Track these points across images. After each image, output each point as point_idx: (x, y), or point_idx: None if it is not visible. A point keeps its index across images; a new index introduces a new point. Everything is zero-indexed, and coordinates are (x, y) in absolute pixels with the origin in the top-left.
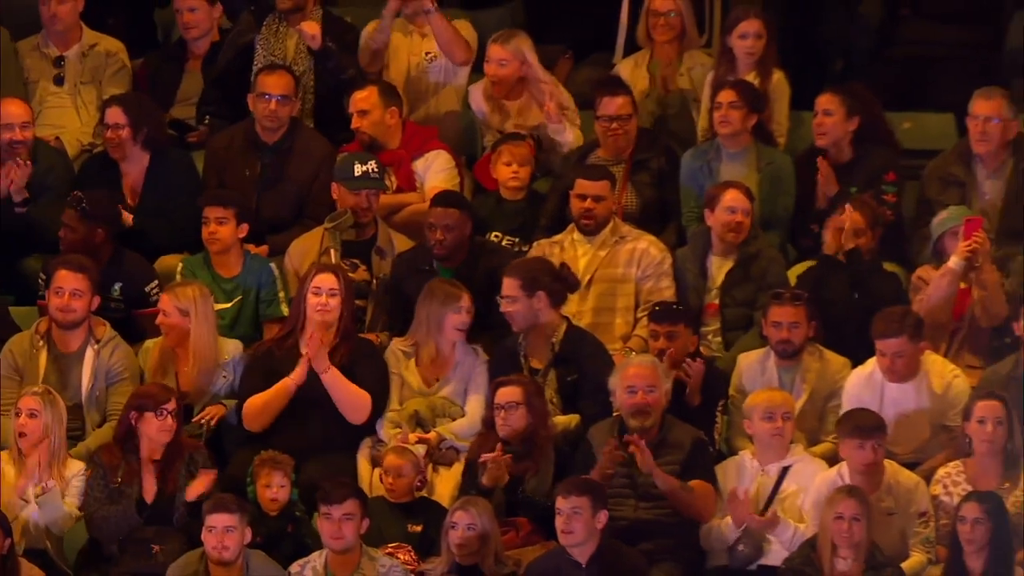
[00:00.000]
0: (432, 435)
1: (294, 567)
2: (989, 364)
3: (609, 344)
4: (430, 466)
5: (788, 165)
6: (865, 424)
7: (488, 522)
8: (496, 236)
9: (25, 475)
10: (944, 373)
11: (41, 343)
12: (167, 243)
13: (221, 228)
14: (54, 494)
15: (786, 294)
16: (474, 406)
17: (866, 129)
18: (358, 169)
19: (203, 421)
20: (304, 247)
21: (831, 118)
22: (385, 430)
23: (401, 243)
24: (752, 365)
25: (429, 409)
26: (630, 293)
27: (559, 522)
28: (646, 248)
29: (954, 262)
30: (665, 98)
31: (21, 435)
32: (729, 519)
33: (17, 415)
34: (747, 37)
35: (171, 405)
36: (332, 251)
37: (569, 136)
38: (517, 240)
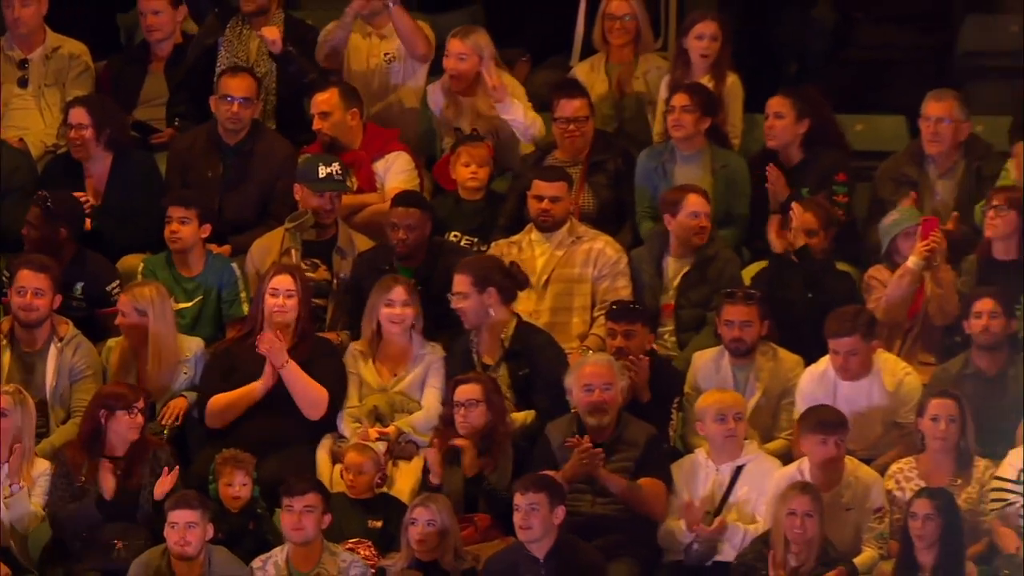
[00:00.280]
0: (391, 429)
1: (256, 562)
2: (942, 362)
3: (566, 343)
4: (390, 461)
5: (742, 167)
6: (828, 420)
7: (447, 518)
8: (455, 236)
9: None
10: (896, 371)
11: (4, 341)
12: (130, 243)
13: (183, 228)
14: (22, 495)
15: (739, 293)
16: (430, 400)
17: (816, 131)
18: (322, 171)
19: (166, 421)
20: (265, 247)
21: (781, 121)
22: (345, 425)
23: (361, 243)
24: (707, 363)
25: (387, 404)
26: (587, 293)
27: (517, 518)
28: (602, 248)
29: (913, 262)
30: (621, 101)
31: None
32: (682, 522)
33: None
34: (703, 39)
35: (141, 403)
36: (293, 251)
37: (518, 113)
38: (476, 240)
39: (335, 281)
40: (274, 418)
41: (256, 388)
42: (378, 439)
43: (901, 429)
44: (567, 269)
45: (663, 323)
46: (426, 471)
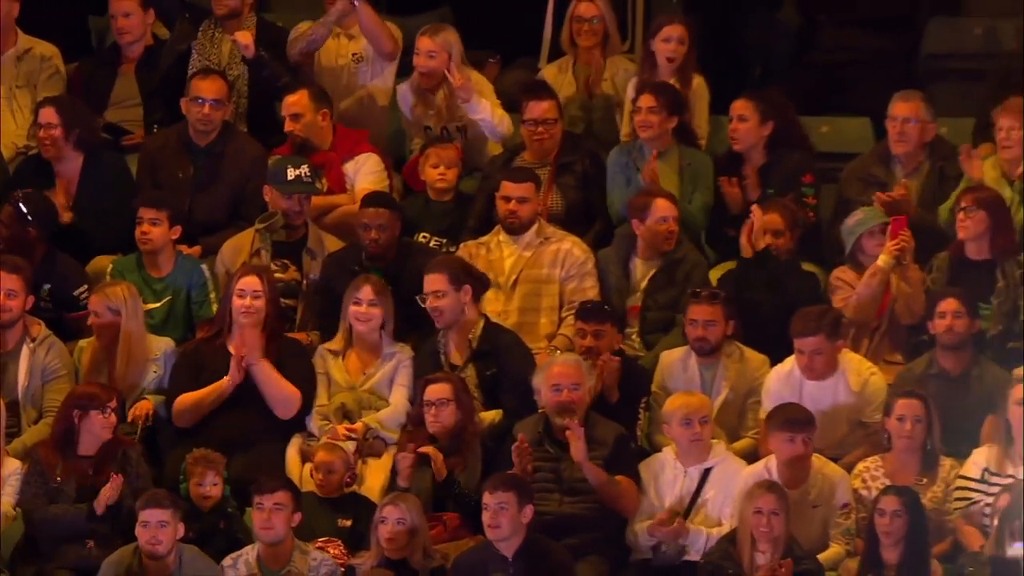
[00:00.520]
0: (359, 426)
1: (227, 561)
2: (909, 360)
3: (534, 343)
4: (359, 459)
5: (708, 163)
6: (796, 418)
7: (417, 517)
8: (424, 237)
9: None
10: (861, 371)
11: None
12: (101, 244)
13: (154, 229)
14: None
15: (703, 293)
16: (398, 398)
17: (780, 134)
18: (291, 173)
19: (136, 420)
20: (235, 248)
21: (745, 124)
22: (314, 422)
23: (331, 244)
24: (674, 363)
25: (355, 402)
26: (555, 293)
27: (486, 517)
28: (570, 249)
29: (883, 260)
30: (589, 102)
31: None
32: (647, 526)
33: None
34: (670, 42)
35: (114, 403)
36: (263, 252)
37: (486, 112)
38: (445, 241)
39: (305, 282)
40: (244, 417)
41: (223, 385)
42: (346, 436)
43: (866, 428)
44: (535, 270)
45: (629, 324)
46: (395, 473)
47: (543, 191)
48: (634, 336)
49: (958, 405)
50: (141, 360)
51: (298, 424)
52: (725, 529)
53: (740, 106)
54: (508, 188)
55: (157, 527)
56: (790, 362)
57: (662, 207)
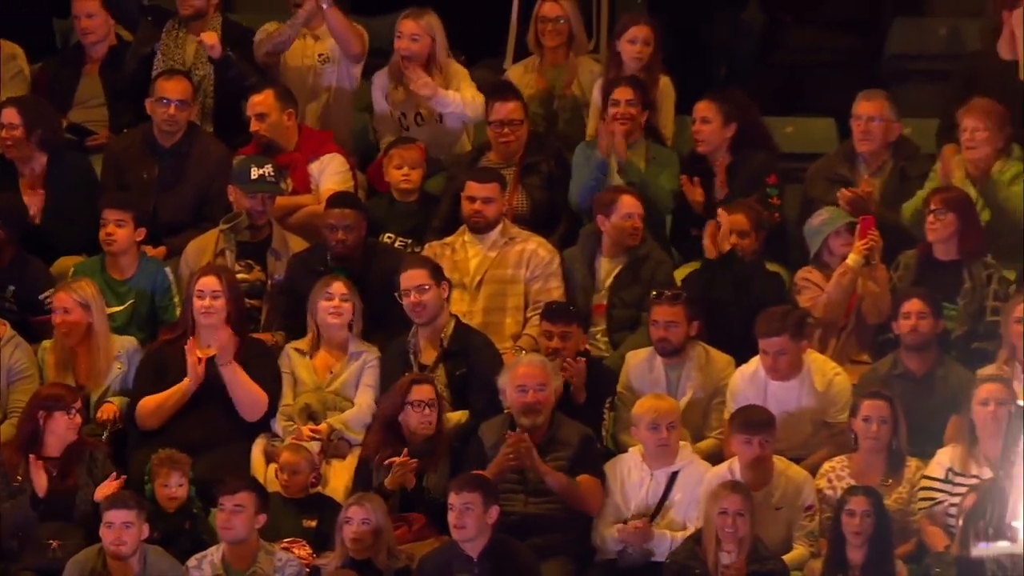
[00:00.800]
0: (323, 426)
1: (191, 561)
2: (876, 359)
3: (499, 343)
4: (323, 460)
5: (674, 157)
6: (753, 420)
7: (382, 517)
8: (389, 237)
9: None
10: (825, 371)
11: None
12: (65, 245)
13: (119, 231)
14: None
15: (665, 294)
16: (364, 399)
17: (744, 134)
18: (254, 172)
19: (105, 421)
20: (200, 248)
21: (709, 125)
22: (279, 423)
23: (296, 244)
24: (640, 363)
25: (320, 403)
26: (519, 293)
27: (451, 517)
28: (535, 249)
29: (853, 260)
30: (556, 102)
31: None
32: (614, 530)
33: None
34: (636, 43)
35: (79, 404)
36: (227, 252)
37: (454, 103)
38: (410, 241)
39: (269, 282)
40: (208, 418)
41: (184, 387)
42: (311, 437)
43: (831, 429)
44: (500, 270)
45: (594, 323)
46: (363, 473)
47: (508, 191)
48: (599, 335)
49: (922, 405)
50: (105, 358)
51: (263, 424)
52: (691, 530)
53: (703, 108)
54: (473, 188)
55: (121, 528)
56: (755, 362)
57: (628, 203)
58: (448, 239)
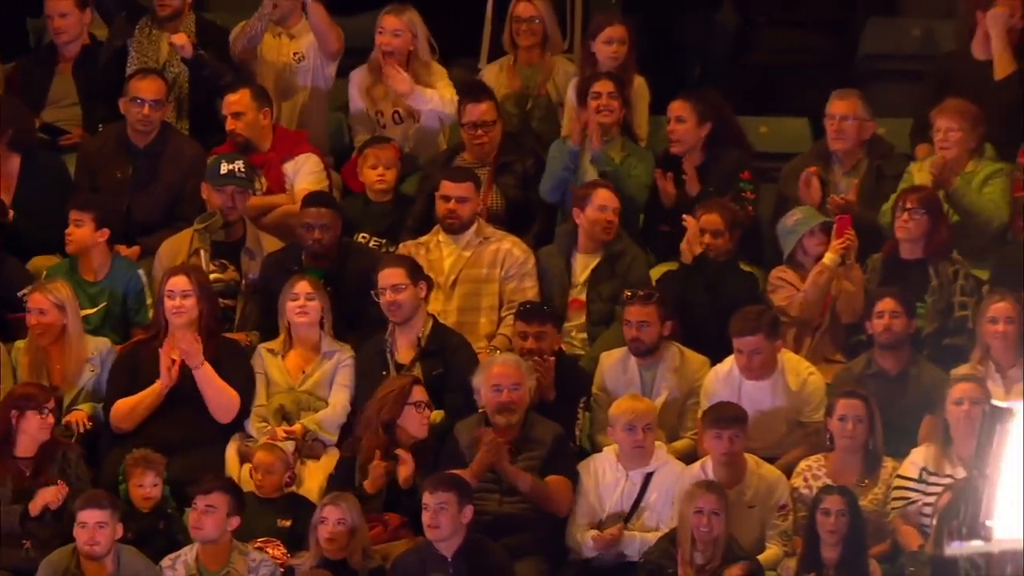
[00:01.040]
0: (297, 427)
1: (165, 561)
2: (849, 359)
3: (474, 343)
4: (298, 460)
5: (649, 155)
6: (723, 415)
7: (357, 517)
8: (364, 237)
9: None
10: (800, 371)
11: None
12: (38, 244)
13: (77, 231)
14: None
15: (639, 294)
16: (338, 398)
17: (718, 133)
18: (224, 168)
19: (73, 424)
20: (173, 248)
21: (683, 125)
22: (252, 424)
23: (270, 244)
24: (614, 364)
25: (294, 403)
26: (494, 293)
27: (426, 517)
28: (509, 249)
29: (829, 259)
30: (530, 102)
31: None
32: (588, 534)
33: None
34: (612, 43)
35: (52, 404)
36: (202, 252)
37: (432, 101)
38: (384, 241)
39: (244, 282)
40: (183, 419)
41: (157, 389)
42: (286, 438)
43: (805, 428)
44: (475, 270)
45: (569, 318)
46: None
47: (483, 191)
48: (574, 332)
49: (896, 405)
50: (79, 360)
51: (237, 425)
52: (665, 532)
53: (678, 107)
54: (448, 187)
55: (95, 528)
56: (729, 362)
57: (602, 196)
58: (422, 239)
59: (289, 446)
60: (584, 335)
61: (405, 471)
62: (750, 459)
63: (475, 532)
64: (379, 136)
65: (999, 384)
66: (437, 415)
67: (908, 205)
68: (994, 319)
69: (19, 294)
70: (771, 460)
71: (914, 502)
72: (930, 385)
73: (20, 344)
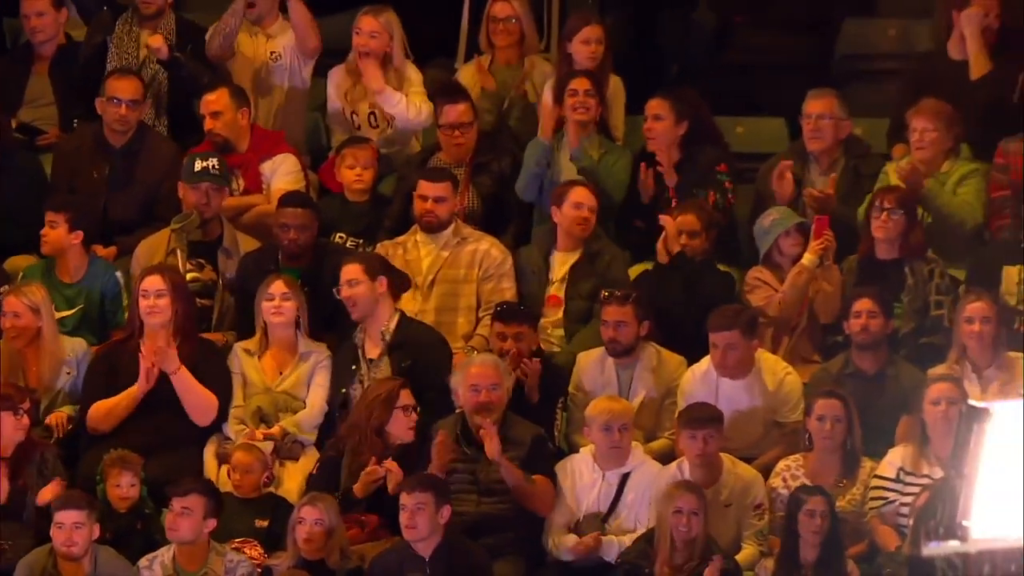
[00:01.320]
0: (276, 429)
1: (143, 561)
2: (827, 360)
3: (452, 343)
4: (276, 461)
5: (627, 153)
6: (697, 416)
7: (335, 517)
8: (341, 237)
9: None
10: (776, 371)
11: None
12: (15, 244)
13: (50, 232)
14: None
15: (616, 294)
16: (315, 399)
17: (695, 132)
18: (198, 165)
19: (53, 425)
20: (150, 248)
21: (660, 123)
22: (230, 426)
23: (247, 244)
24: (591, 364)
25: (272, 404)
26: (472, 293)
27: (403, 517)
28: (487, 249)
29: (808, 260)
30: (507, 102)
31: None
32: (567, 538)
33: None
34: (589, 44)
35: (27, 404)
36: (178, 252)
37: (400, 106)
38: (361, 241)
39: (221, 281)
40: (160, 420)
41: (134, 392)
42: (264, 440)
43: (782, 428)
44: (452, 270)
45: (546, 314)
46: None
47: (460, 191)
48: (550, 328)
49: (874, 405)
50: (55, 362)
51: (216, 426)
52: (642, 532)
53: (655, 105)
54: (425, 187)
55: (72, 528)
56: (706, 362)
57: (577, 193)
58: (400, 239)
59: (268, 446)
60: (561, 331)
61: (394, 480)
62: (726, 458)
63: (453, 532)
64: (357, 136)
65: (975, 384)
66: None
67: (886, 205)
68: (970, 319)
69: None
70: (748, 460)
71: (892, 502)
72: (908, 385)
73: None
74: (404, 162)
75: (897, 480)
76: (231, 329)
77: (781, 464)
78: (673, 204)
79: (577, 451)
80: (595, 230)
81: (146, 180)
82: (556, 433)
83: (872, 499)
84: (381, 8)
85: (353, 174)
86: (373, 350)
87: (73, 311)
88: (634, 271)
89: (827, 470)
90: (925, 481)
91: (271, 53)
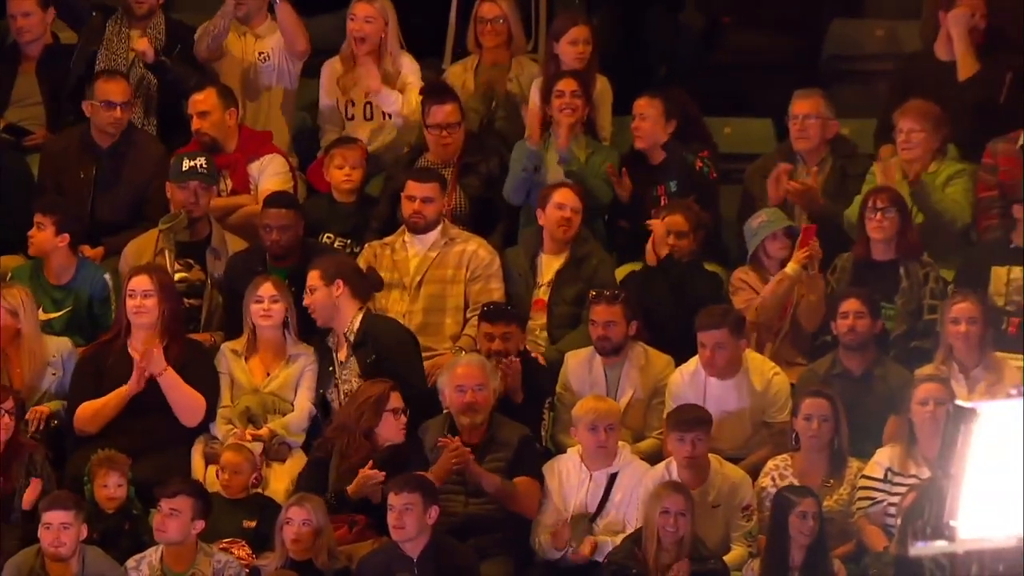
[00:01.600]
0: (264, 431)
1: (130, 562)
2: (811, 361)
3: (440, 344)
4: (264, 463)
5: (614, 152)
6: (686, 418)
7: (322, 518)
8: (329, 238)
9: None
10: (764, 371)
11: None
12: (4, 245)
13: (38, 234)
14: None
15: (605, 293)
16: (303, 401)
17: (684, 132)
18: (186, 164)
19: (33, 420)
20: (139, 248)
21: (647, 122)
22: (218, 426)
23: (235, 244)
24: (579, 364)
25: (260, 405)
26: (460, 294)
27: (391, 518)
28: (475, 250)
29: (791, 269)
30: (494, 102)
31: None
32: (549, 538)
33: None
34: (576, 44)
35: (9, 404)
36: (167, 252)
37: (395, 104)
38: (349, 242)
39: (209, 281)
40: (148, 420)
41: (123, 393)
42: (252, 441)
43: (770, 428)
44: (440, 270)
45: (533, 318)
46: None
47: (447, 192)
48: (537, 331)
49: (861, 405)
50: (38, 363)
51: (203, 427)
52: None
53: (643, 104)
54: (413, 188)
55: (60, 529)
56: (694, 362)
57: (560, 194)
58: (388, 239)
59: (257, 447)
60: (546, 335)
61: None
62: (713, 459)
63: (441, 533)
64: (346, 136)
65: (962, 384)
66: None
67: (879, 205)
68: (956, 320)
69: None
70: (736, 461)
71: (879, 502)
72: (895, 385)
73: None
74: (391, 163)
75: (885, 480)
76: (219, 329)
77: (769, 464)
78: (662, 204)
79: (564, 451)
80: (581, 232)
81: (133, 180)
82: (543, 433)
83: (860, 499)
84: None
85: (342, 174)
86: (342, 352)
87: (61, 313)
88: (622, 271)
89: (814, 470)
90: (912, 481)
91: (259, 54)
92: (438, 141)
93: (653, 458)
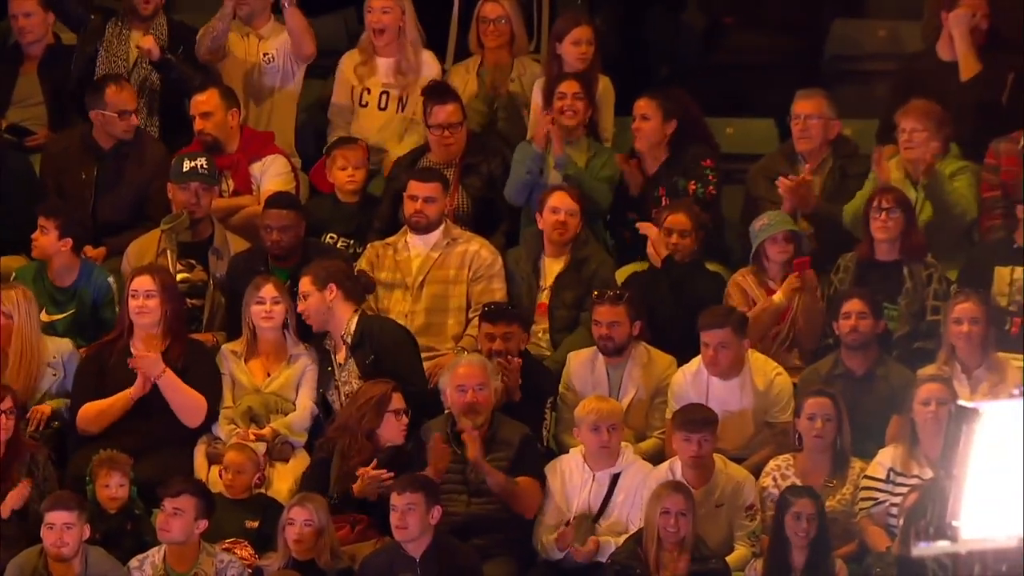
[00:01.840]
0: (267, 431)
1: (133, 562)
2: (810, 363)
3: (442, 344)
4: (267, 463)
5: (613, 155)
6: (692, 418)
7: (324, 518)
8: (332, 238)
9: None
10: (767, 371)
11: None
12: (7, 245)
13: (42, 237)
14: None
15: (607, 294)
16: (304, 401)
17: (685, 132)
18: (187, 165)
19: (35, 419)
20: (141, 249)
21: (648, 122)
22: (221, 426)
23: (237, 244)
24: (582, 363)
25: (262, 405)
26: (462, 294)
27: (394, 518)
28: (478, 250)
29: (778, 299)
30: (496, 102)
31: None
32: (554, 539)
33: None
34: (580, 44)
35: (7, 404)
36: (169, 252)
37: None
38: (352, 242)
39: (211, 281)
40: (151, 420)
41: (128, 395)
42: (255, 440)
43: (772, 428)
44: (442, 271)
45: (536, 321)
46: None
47: (449, 192)
48: (541, 334)
49: (863, 405)
50: (37, 364)
51: (205, 427)
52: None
53: (643, 105)
54: (415, 187)
55: (62, 529)
56: (697, 362)
57: (555, 198)
58: (390, 239)
59: (260, 447)
60: (548, 338)
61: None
62: (718, 459)
63: (443, 533)
64: (347, 137)
65: (965, 385)
66: None
67: (884, 204)
68: (959, 320)
69: None
70: (739, 460)
71: (881, 502)
72: (897, 385)
73: None
74: (393, 163)
75: (887, 480)
76: (221, 329)
77: (771, 464)
78: (664, 203)
79: (566, 451)
80: (582, 235)
81: (135, 181)
82: (545, 433)
83: (862, 499)
84: None
85: (345, 175)
86: (340, 355)
87: (64, 315)
88: (623, 272)
89: (817, 470)
90: (915, 481)
91: (264, 55)
92: (440, 141)
93: (655, 458)
